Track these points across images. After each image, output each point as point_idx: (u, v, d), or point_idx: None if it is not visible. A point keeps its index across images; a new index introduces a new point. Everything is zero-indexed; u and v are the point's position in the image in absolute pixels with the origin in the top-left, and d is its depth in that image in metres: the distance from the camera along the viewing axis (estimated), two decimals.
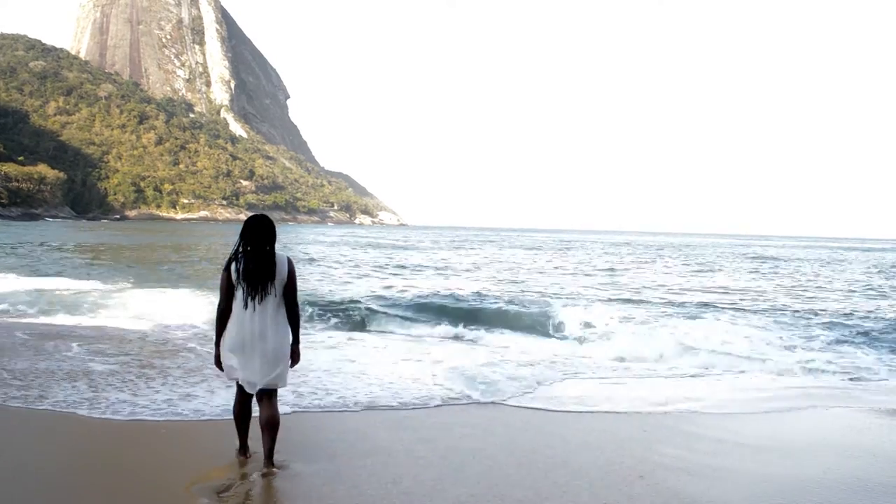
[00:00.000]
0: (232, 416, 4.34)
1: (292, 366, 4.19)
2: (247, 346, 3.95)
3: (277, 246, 4.10)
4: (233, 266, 3.97)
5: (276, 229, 4.05)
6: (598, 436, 5.44)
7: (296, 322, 4.12)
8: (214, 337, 4.18)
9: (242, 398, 4.21)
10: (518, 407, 6.31)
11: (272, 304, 3.97)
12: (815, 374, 8.37)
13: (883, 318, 13.54)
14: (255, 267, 3.91)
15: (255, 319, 3.93)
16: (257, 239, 3.92)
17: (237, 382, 4.12)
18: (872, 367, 8.89)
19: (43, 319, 10.67)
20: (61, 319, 10.69)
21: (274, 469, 4.11)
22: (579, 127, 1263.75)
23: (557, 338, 10.66)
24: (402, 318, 12.11)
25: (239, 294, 3.95)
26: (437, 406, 6.23)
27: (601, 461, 4.73)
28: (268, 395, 4.07)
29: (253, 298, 3.92)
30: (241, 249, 3.97)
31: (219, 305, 4.06)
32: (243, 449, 4.38)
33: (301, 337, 4.26)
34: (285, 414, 4.89)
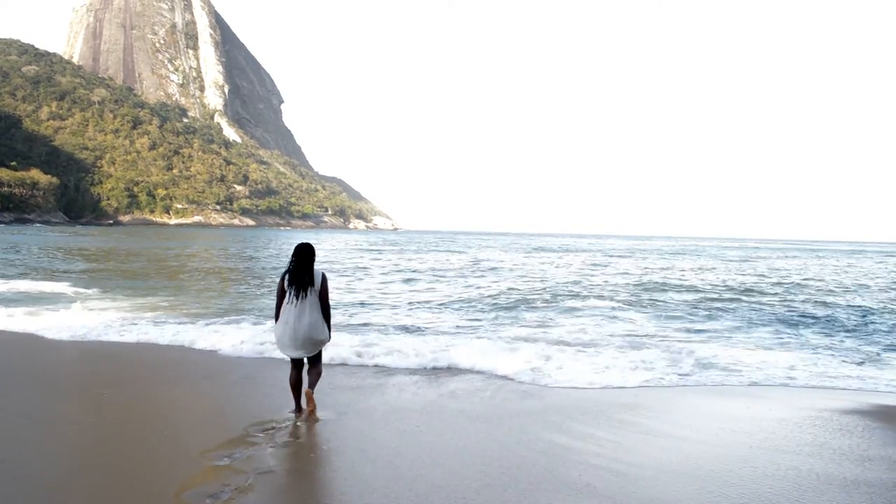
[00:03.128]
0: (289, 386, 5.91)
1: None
2: (292, 331, 5.58)
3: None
4: (286, 276, 5.66)
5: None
6: None
7: (328, 315, 5.74)
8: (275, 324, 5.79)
9: (296, 371, 5.80)
10: None
11: (310, 303, 5.60)
12: None
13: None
14: (299, 277, 5.60)
15: (299, 313, 5.56)
16: (302, 258, 5.63)
17: (290, 358, 5.73)
18: None
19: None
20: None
21: (311, 391, 5.70)
22: (574, 131, 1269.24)
23: None
24: None
25: (288, 295, 5.61)
26: None
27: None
28: (312, 361, 5.81)
29: (297, 298, 5.58)
30: (291, 265, 5.66)
31: (277, 303, 5.72)
32: (298, 408, 5.81)
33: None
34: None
